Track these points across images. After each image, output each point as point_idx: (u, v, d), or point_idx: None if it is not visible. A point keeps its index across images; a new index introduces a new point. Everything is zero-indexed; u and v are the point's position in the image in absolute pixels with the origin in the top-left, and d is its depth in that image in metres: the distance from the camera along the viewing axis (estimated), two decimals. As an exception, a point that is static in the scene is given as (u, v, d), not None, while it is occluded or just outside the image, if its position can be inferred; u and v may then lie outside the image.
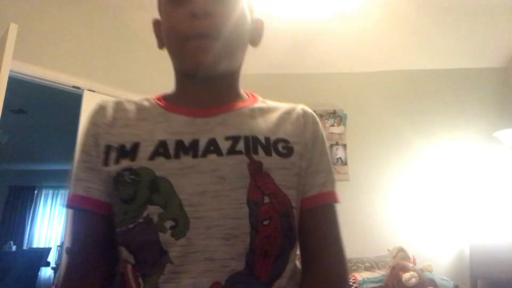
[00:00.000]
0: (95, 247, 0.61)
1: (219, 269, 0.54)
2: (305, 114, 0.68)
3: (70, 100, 3.09)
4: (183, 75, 0.66)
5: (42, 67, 2.67)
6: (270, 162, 0.60)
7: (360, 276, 2.65)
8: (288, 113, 0.68)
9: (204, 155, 0.59)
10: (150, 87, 3.28)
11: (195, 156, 0.58)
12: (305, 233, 0.64)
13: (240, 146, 0.60)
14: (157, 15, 0.70)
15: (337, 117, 3.55)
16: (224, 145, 0.60)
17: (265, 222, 0.57)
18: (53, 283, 4.78)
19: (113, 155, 0.60)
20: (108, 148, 0.60)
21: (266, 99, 0.73)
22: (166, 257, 0.54)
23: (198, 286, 0.54)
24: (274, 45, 3.29)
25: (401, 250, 2.76)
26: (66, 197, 0.63)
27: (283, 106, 0.70)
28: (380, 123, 3.49)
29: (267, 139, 0.62)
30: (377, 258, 2.94)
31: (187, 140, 0.60)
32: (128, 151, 0.59)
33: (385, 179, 3.35)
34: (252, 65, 3.91)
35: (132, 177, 0.57)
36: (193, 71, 0.62)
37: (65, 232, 2.73)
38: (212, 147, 0.59)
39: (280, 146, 0.62)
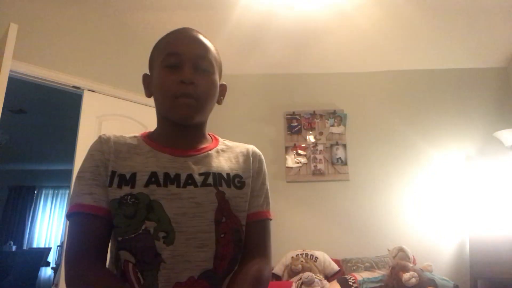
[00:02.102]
0: (101, 244, 0.78)
1: (195, 268, 0.77)
2: (254, 154, 0.94)
3: (70, 100, 3.09)
4: (166, 120, 0.87)
5: (42, 67, 2.67)
6: (229, 193, 0.84)
7: (360, 276, 2.65)
8: (242, 153, 0.93)
9: (185, 186, 0.81)
10: (150, 87, 3.29)
11: (178, 186, 0.80)
12: (246, 239, 0.86)
13: (210, 180, 0.83)
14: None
15: (337, 117, 3.55)
16: (199, 179, 0.82)
17: (222, 235, 0.80)
18: (53, 283, 4.78)
19: (116, 180, 0.79)
20: (114, 174, 0.80)
21: (225, 140, 0.97)
22: (159, 258, 0.75)
23: (180, 278, 0.76)
24: (274, 45, 3.29)
25: (401, 250, 2.76)
26: (72, 205, 0.79)
27: (238, 146, 0.95)
28: (380, 123, 3.49)
29: (228, 175, 0.86)
30: (377, 258, 2.94)
31: (172, 173, 0.81)
32: (128, 180, 0.79)
33: (385, 179, 3.35)
34: (252, 65, 3.93)
35: (133, 200, 0.78)
36: (178, 120, 0.84)
37: (65, 232, 2.72)
38: (190, 180, 0.82)
39: (236, 181, 0.87)
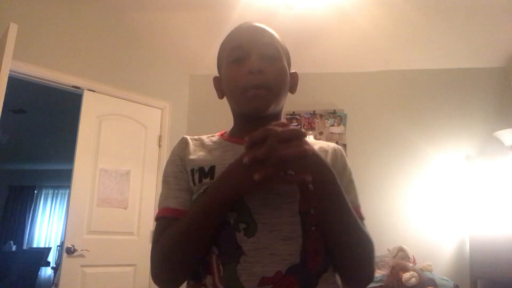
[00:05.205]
0: None
1: (281, 262, 0.71)
2: (338, 150, 0.89)
3: (70, 100, 3.10)
4: (241, 116, 0.87)
5: (42, 67, 2.68)
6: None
7: (360, 276, 2.65)
8: (322, 148, 0.87)
9: None
10: (150, 87, 3.29)
11: None
12: None
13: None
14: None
15: (337, 117, 3.55)
16: None
17: (313, 228, 0.75)
18: (53, 283, 4.78)
19: (196, 176, 0.80)
20: (192, 172, 0.81)
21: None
22: (240, 250, 0.72)
23: (265, 272, 0.71)
24: (274, 45, 3.29)
25: (401, 250, 2.76)
26: (159, 209, 0.82)
27: (319, 143, 0.89)
28: (380, 123, 3.49)
29: None
30: (377, 258, 2.94)
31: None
32: (207, 172, 0.79)
33: (385, 179, 3.35)
34: (252, 65, 3.91)
35: None
36: (251, 113, 0.82)
37: (65, 232, 2.73)
38: None
39: None
